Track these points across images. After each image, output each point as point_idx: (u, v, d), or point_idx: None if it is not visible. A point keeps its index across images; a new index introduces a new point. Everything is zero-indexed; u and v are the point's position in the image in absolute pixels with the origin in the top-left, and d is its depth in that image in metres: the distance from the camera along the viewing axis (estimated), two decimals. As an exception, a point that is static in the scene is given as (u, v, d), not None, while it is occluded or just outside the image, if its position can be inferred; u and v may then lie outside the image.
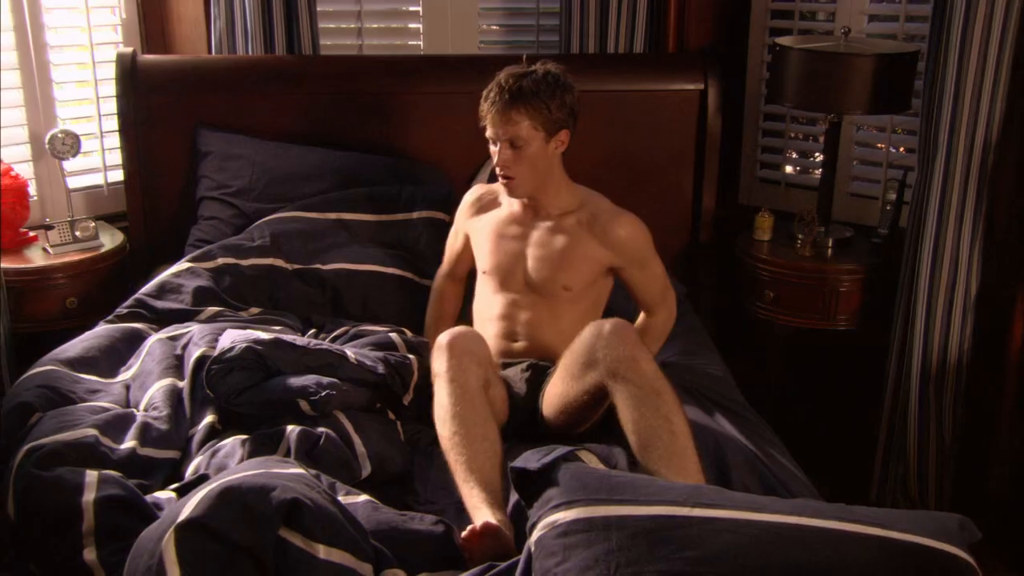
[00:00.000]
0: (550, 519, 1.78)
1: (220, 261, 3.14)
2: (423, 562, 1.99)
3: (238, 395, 2.42)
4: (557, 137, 2.74)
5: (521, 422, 2.57)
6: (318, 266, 3.18)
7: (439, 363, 2.42)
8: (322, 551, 1.83)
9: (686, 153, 3.76)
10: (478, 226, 2.91)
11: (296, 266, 3.17)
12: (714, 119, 3.71)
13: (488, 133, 2.74)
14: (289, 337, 2.62)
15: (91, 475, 2.11)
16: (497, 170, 2.76)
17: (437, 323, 3.01)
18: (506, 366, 2.76)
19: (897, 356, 3.33)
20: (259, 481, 1.87)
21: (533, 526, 1.83)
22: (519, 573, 1.81)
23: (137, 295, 3.10)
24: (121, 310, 3.06)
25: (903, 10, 3.49)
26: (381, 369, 2.53)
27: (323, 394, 2.38)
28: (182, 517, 1.79)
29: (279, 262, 3.16)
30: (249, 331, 2.63)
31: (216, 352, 2.48)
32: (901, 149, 3.64)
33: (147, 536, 1.81)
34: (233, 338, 2.55)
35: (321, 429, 2.33)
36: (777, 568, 1.65)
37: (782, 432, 2.81)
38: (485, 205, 2.94)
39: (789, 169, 3.96)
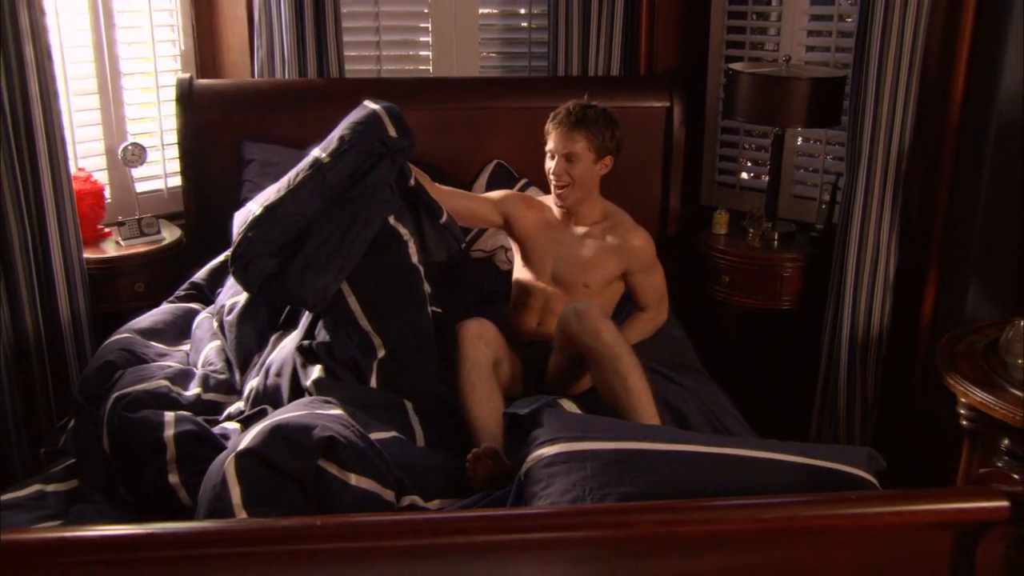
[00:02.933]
0: (536, 453, 1.88)
1: None
2: (438, 490, 2.13)
3: (266, 281, 2.56)
4: (603, 161, 2.88)
5: (536, 389, 2.69)
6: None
7: (459, 345, 2.56)
8: (353, 479, 1.97)
9: (655, 160, 3.76)
10: (525, 222, 3.01)
11: None
12: (679, 131, 3.72)
13: (549, 146, 2.88)
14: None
15: (168, 415, 2.27)
16: (552, 179, 2.88)
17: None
18: (530, 344, 2.88)
19: (830, 330, 3.37)
20: (303, 421, 2.01)
21: (522, 460, 1.94)
22: (512, 498, 1.91)
23: (192, 280, 3.23)
24: (180, 292, 3.19)
25: (834, 43, 3.53)
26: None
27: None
28: (240, 447, 1.94)
29: None
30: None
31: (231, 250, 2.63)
32: (832, 158, 3.65)
33: (216, 462, 1.97)
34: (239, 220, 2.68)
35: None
36: (719, 488, 1.74)
37: (734, 395, 2.86)
38: (533, 207, 3.04)
39: (743, 175, 3.95)
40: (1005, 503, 1.50)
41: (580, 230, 2.96)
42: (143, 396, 2.36)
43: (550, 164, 2.89)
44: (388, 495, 2.02)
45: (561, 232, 2.97)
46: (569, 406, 2.06)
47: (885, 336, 3.31)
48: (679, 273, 3.74)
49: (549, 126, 2.90)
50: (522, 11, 3.96)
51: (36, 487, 2.25)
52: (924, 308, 3.27)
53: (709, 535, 1.50)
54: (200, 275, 3.26)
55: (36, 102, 2.99)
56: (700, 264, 3.68)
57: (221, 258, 3.26)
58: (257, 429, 1.99)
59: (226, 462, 1.93)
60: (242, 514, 1.85)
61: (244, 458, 1.93)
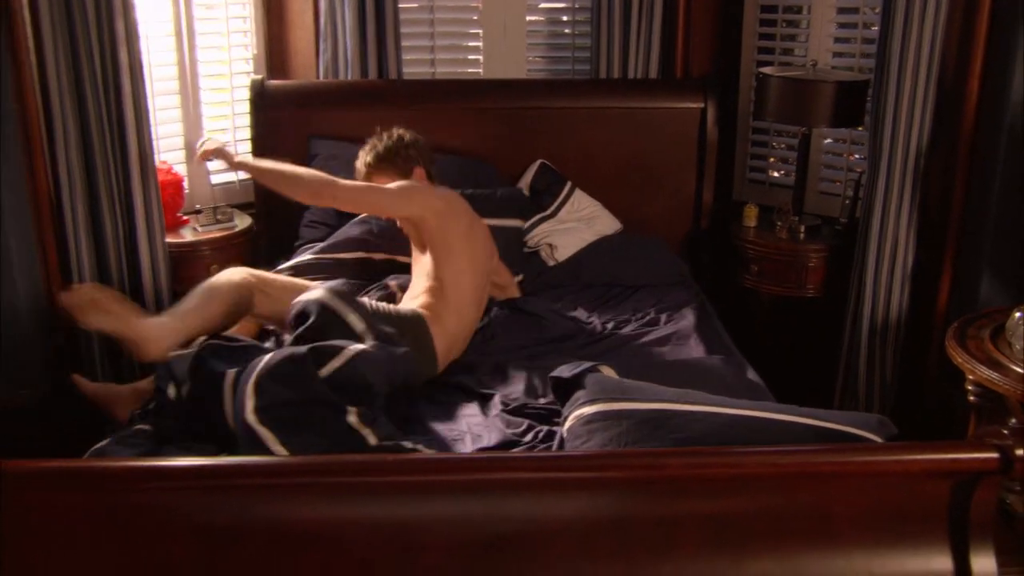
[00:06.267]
0: (578, 412, 2.03)
1: (327, 255, 3.36)
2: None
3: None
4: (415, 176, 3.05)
5: None
6: (401, 257, 3.28)
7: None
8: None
9: (690, 158, 3.84)
10: None
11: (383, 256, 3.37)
12: (712, 131, 3.80)
13: None
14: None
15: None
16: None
17: None
18: None
19: (851, 317, 3.46)
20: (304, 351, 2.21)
21: (565, 418, 2.08)
22: (555, 450, 2.06)
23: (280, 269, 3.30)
24: None
25: (858, 48, 3.63)
26: None
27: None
28: (259, 367, 2.15)
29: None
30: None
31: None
32: (857, 156, 3.74)
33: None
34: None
35: None
36: (736, 444, 1.83)
37: (761, 375, 2.86)
38: None
39: (773, 172, 4.05)
40: (995, 455, 1.64)
41: None
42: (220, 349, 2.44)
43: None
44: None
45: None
46: (608, 372, 2.21)
47: (903, 323, 3.41)
48: (711, 262, 3.84)
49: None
50: (566, 18, 4.07)
51: (136, 427, 2.36)
52: (940, 297, 3.35)
53: (730, 478, 1.66)
54: (286, 267, 3.32)
55: (128, 102, 3.19)
56: (731, 254, 3.78)
57: (306, 257, 3.38)
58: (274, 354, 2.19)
59: (250, 381, 2.12)
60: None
61: (261, 375, 2.13)
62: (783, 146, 4.05)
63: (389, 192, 2.92)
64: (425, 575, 1.69)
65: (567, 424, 2.07)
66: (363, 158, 3.16)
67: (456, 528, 1.68)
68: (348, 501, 1.69)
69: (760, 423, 1.99)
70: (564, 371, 2.19)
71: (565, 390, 2.18)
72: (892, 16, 3.17)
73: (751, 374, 2.80)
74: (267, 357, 2.20)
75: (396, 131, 3.20)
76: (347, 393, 2.16)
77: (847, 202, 3.66)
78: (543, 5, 4.08)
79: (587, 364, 2.19)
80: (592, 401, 2.04)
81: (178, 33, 3.68)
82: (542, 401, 2.52)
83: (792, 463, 1.65)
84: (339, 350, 2.23)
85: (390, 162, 3.12)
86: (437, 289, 2.83)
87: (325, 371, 2.19)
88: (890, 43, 3.19)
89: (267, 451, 2.05)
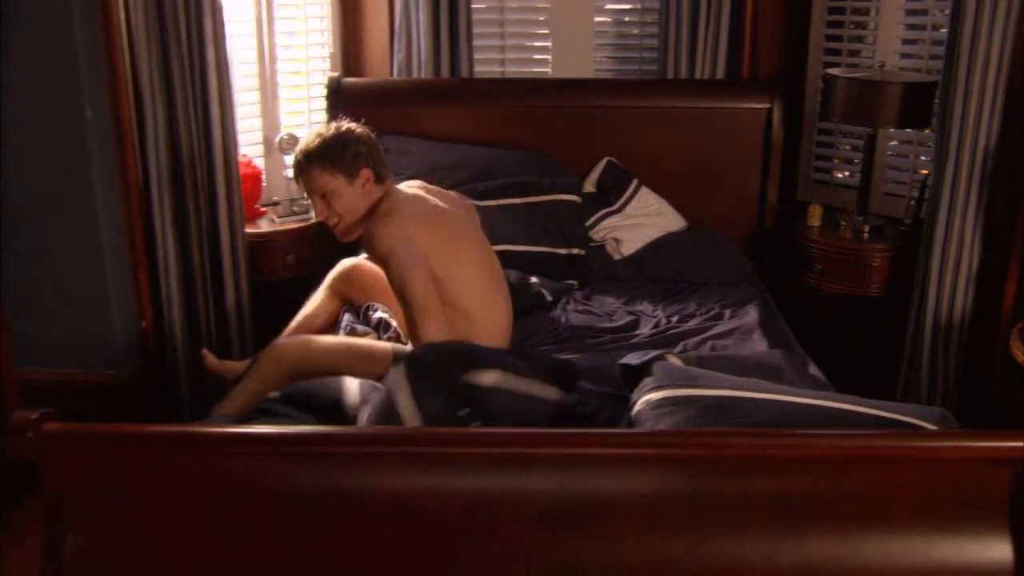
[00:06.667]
0: (646, 398, 2.10)
1: None
2: None
3: None
4: (359, 179, 2.67)
5: None
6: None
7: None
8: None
9: (755, 158, 3.88)
10: None
11: None
12: (778, 132, 3.84)
13: (303, 195, 2.78)
14: None
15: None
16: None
17: None
18: None
19: (915, 316, 3.48)
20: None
21: (633, 403, 2.16)
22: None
23: None
24: None
25: (927, 50, 3.65)
26: None
27: None
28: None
29: None
30: None
31: None
32: (923, 158, 3.76)
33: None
34: None
35: None
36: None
37: (822, 371, 2.88)
38: None
39: (837, 173, 4.06)
40: (1056, 443, 1.69)
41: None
42: None
43: (313, 210, 2.76)
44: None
45: None
46: (675, 360, 2.28)
47: (967, 323, 3.41)
48: (774, 260, 3.89)
49: (293, 178, 2.80)
50: (633, 19, 4.14)
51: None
52: (1005, 298, 3.34)
53: (794, 459, 1.73)
54: None
55: (215, 99, 3.35)
56: (794, 253, 3.82)
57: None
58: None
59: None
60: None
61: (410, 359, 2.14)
62: (848, 147, 4.07)
63: (409, 276, 2.58)
64: (501, 546, 1.77)
65: (635, 409, 2.14)
66: (301, 149, 2.73)
67: (532, 501, 1.76)
68: (428, 472, 1.78)
69: (824, 411, 2.03)
70: (632, 359, 2.27)
71: (633, 377, 2.25)
72: (961, 17, 3.19)
73: (813, 369, 2.84)
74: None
75: (344, 124, 2.78)
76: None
77: (912, 203, 3.68)
78: (610, 6, 4.16)
79: (655, 352, 2.26)
80: (660, 387, 2.11)
81: (259, 32, 3.83)
82: (604, 390, 2.59)
83: (854, 446, 1.71)
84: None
85: (333, 160, 2.66)
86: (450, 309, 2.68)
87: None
88: (959, 44, 3.21)
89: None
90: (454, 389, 2.08)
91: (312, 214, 3.83)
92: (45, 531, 1.75)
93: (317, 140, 2.70)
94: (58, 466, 1.74)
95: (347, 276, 3.14)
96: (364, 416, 2.20)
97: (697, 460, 1.74)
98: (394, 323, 2.92)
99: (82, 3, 3.07)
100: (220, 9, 3.33)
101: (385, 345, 2.74)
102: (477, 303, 2.72)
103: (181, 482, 1.78)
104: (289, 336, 2.95)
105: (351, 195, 2.68)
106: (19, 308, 3.16)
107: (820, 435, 1.73)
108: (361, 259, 3.13)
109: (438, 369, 2.10)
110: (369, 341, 2.81)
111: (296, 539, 1.77)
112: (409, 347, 2.67)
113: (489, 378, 2.11)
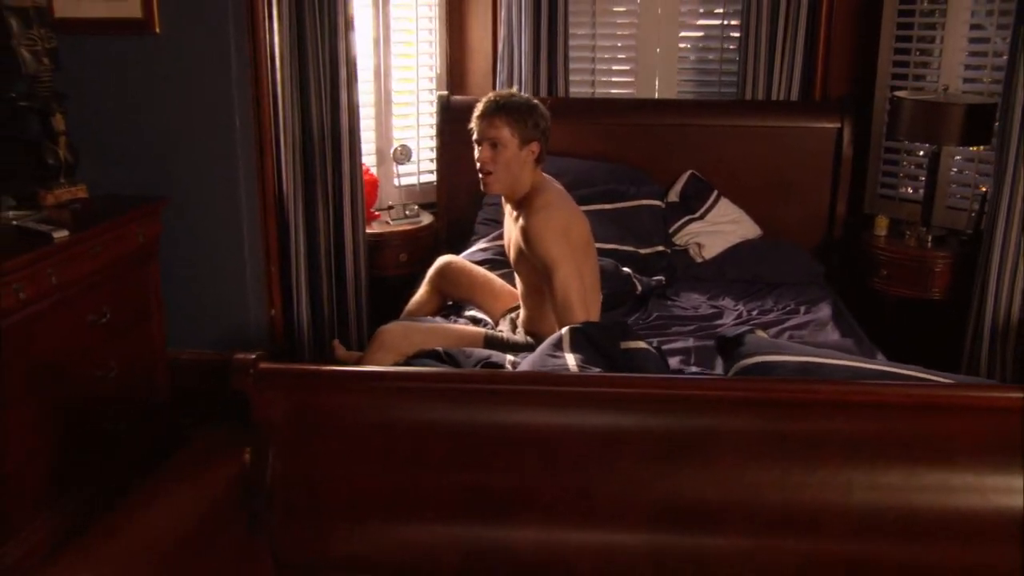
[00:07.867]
0: (739, 364, 2.43)
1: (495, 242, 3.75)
2: None
3: None
4: (529, 147, 2.82)
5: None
6: None
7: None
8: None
9: (825, 173, 4.13)
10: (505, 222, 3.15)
11: None
12: (847, 149, 4.09)
13: (475, 137, 2.86)
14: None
15: None
16: (478, 167, 2.85)
17: None
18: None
19: (974, 319, 3.68)
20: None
21: (727, 369, 2.48)
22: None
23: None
24: None
25: (988, 75, 3.89)
26: None
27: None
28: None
29: None
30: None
31: None
32: (983, 175, 3.92)
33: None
34: None
35: None
36: None
37: None
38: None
39: (903, 188, 4.26)
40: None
41: (516, 217, 2.93)
42: None
43: (476, 153, 2.85)
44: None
45: (510, 223, 3.00)
46: (762, 335, 2.63)
47: (1023, 326, 3.63)
48: (842, 266, 4.13)
49: (473, 118, 2.87)
50: (712, 44, 4.45)
51: None
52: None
53: (868, 404, 2.06)
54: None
55: (344, 113, 3.74)
56: (861, 260, 4.06)
57: (481, 245, 3.85)
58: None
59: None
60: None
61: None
62: (912, 165, 4.27)
63: (568, 273, 2.80)
64: (621, 475, 2.12)
65: (731, 372, 2.48)
66: (494, 97, 2.86)
67: (646, 437, 2.11)
68: (561, 409, 2.14)
69: (894, 375, 2.36)
70: (727, 332, 2.61)
71: (728, 349, 2.58)
72: (1020, 44, 3.43)
73: (880, 358, 3.11)
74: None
75: (534, 97, 2.95)
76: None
77: (972, 215, 3.89)
78: (689, 34, 4.46)
79: (745, 328, 2.60)
80: (751, 354, 2.44)
81: (376, 52, 4.24)
82: (694, 369, 2.94)
83: (921, 394, 2.05)
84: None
85: (518, 120, 2.81)
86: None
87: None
88: (1017, 69, 3.45)
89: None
90: (613, 354, 2.48)
91: (422, 218, 4.23)
92: (252, 454, 2.13)
93: (512, 97, 2.86)
94: (266, 399, 2.13)
95: (443, 272, 3.42)
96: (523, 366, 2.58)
97: (786, 403, 2.09)
98: (486, 319, 3.30)
99: (237, 28, 3.48)
100: (352, 30, 3.73)
101: (477, 329, 3.12)
102: (592, 296, 2.96)
103: (362, 416, 2.15)
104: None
105: (515, 158, 2.82)
106: (171, 294, 3.59)
107: (892, 384, 2.07)
108: (454, 257, 3.42)
109: (598, 338, 2.51)
110: (462, 326, 3.18)
111: (454, 465, 2.11)
112: (500, 332, 3.07)
113: (637, 345, 2.54)
